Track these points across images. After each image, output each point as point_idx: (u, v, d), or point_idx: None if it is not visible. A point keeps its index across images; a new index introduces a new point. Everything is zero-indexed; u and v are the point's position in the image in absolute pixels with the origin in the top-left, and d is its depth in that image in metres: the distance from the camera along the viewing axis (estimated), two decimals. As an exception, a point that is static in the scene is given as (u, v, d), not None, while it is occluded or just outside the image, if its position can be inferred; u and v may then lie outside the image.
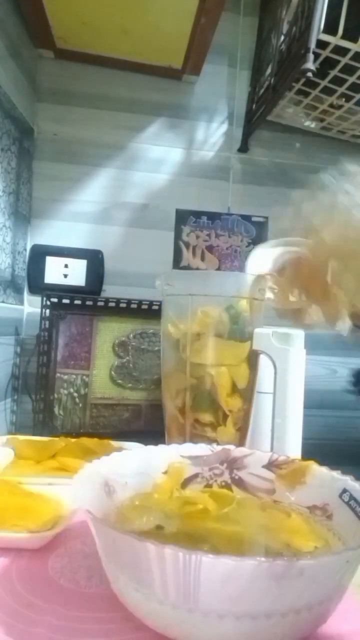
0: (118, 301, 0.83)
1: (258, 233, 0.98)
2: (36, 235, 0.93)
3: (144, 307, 0.83)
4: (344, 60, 0.70)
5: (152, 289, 0.55)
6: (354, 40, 0.67)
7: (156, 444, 0.38)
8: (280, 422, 0.46)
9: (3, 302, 0.81)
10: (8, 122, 0.79)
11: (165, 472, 0.37)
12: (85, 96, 0.94)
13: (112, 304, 0.83)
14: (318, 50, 0.67)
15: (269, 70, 0.86)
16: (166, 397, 0.52)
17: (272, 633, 0.23)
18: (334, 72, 0.73)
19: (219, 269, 0.97)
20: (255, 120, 0.93)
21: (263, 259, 0.54)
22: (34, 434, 0.69)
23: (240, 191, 0.99)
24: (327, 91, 0.79)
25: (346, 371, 1.02)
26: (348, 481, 0.32)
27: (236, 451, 0.39)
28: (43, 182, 0.93)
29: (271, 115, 0.91)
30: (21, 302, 0.91)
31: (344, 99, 0.81)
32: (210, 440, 0.47)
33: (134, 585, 0.24)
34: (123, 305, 0.83)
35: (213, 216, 0.97)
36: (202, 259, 0.97)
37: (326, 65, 0.72)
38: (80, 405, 0.81)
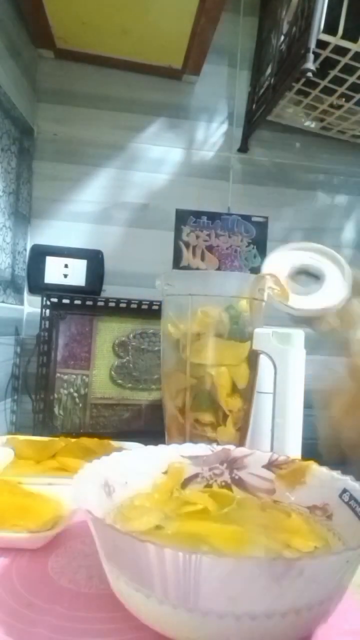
0: (118, 301, 0.83)
1: (258, 233, 0.98)
2: (36, 235, 0.93)
3: (144, 307, 0.83)
4: (344, 60, 0.70)
5: (152, 289, 0.55)
6: (354, 40, 0.66)
7: (156, 444, 0.38)
8: (280, 422, 0.46)
9: (3, 302, 0.81)
10: (8, 122, 0.79)
11: (165, 472, 0.37)
12: (85, 96, 0.94)
13: (112, 304, 0.83)
14: (318, 50, 0.67)
15: (269, 70, 0.86)
16: (166, 397, 0.52)
17: (272, 633, 0.23)
18: (334, 72, 0.73)
19: (219, 269, 0.97)
20: (255, 120, 0.93)
21: (280, 261, 0.54)
22: (34, 434, 0.69)
23: (240, 191, 0.99)
24: (327, 91, 0.79)
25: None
26: (348, 481, 0.32)
27: (236, 451, 0.39)
28: (43, 182, 0.93)
29: (271, 115, 0.91)
30: (21, 302, 0.91)
31: (344, 99, 0.81)
32: (210, 440, 0.47)
33: (134, 585, 0.24)
34: (123, 305, 0.83)
35: (213, 216, 0.97)
36: (202, 259, 0.97)
37: (326, 65, 0.72)
38: (80, 405, 0.81)
